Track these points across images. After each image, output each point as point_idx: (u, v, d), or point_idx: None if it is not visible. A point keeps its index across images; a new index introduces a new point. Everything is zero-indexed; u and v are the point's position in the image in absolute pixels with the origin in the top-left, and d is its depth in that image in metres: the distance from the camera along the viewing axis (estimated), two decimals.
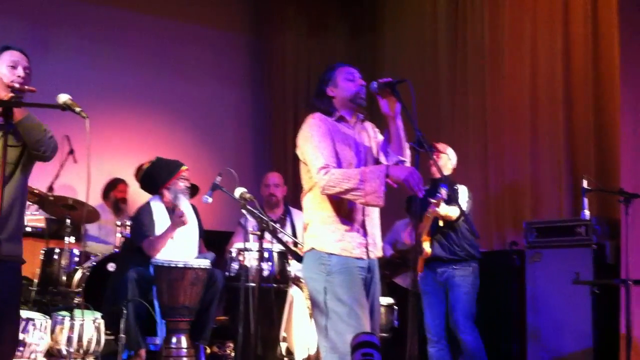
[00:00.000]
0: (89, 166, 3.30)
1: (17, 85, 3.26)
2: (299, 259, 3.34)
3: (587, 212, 4.55)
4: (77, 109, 3.26)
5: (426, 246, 5.02)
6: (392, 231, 6.70)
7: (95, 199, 6.72)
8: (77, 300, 5.38)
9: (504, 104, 6.98)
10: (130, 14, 7.85)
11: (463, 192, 5.11)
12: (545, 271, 5.69)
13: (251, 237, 5.14)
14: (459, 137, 7.42)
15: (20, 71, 3.32)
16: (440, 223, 5.04)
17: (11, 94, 3.23)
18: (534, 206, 6.56)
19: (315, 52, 8.65)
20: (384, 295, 5.98)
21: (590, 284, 5.11)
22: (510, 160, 6.85)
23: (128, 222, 5.92)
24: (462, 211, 4.90)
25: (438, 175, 5.12)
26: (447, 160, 5.36)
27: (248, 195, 4.14)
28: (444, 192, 4.71)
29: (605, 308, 5.31)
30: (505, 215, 6.80)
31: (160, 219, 5.29)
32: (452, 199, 4.80)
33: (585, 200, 4.56)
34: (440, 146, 5.36)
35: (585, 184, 4.61)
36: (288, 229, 5.85)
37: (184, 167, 5.47)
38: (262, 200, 6.02)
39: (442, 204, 4.84)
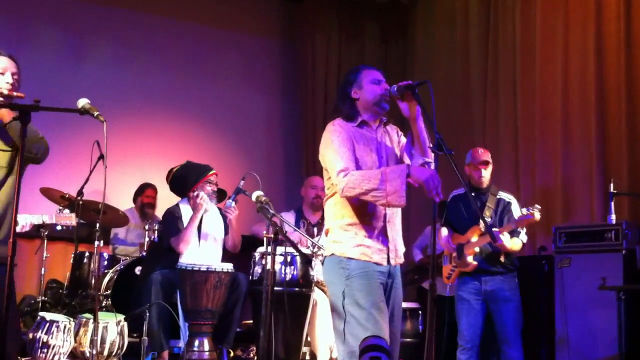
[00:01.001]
0: (105, 170, 3.35)
1: (5, 92, 3.29)
2: (308, 261, 3.34)
3: (613, 217, 4.44)
4: (95, 113, 3.31)
5: (470, 259, 4.83)
6: (422, 236, 6.66)
7: (127, 204, 6.82)
8: (104, 303, 5.47)
9: (535, 107, 6.89)
10: (163, 20, 7.97)
11: (515, 204, 4.92)
12: (574, 277, 5.57)
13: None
14: (490, 141, 7.36)
15: (8, 77, 3.35)
16: (502, 258, 4.87)
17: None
18: (565, 211, 6.46)
19: (347, 57, 8.66)
20: (411, 299, 5.98)
21: (615, 289, 4.99)
22: (542, 164, 6.75)
23: (156, 226, 5.98)
24: (522, 244, 4.79)
25: (484, 186, 4.99)
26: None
27: (264, 199, 4.16)
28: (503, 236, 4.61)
29: (634, 314, 5.19)
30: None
31: (188, 216, 5.34)
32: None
33: (612, 204, 4.46)
34: (486, 155, 5.04)
35: (612, 187, 4.51)
36: (324, 234, 5.85)
37: (211, 171, 5.51)
38: (301, 203, 6.06)
39: (507, 236, 4.72)
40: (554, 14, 6.83)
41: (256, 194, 4.15)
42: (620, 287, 4.98)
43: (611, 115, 6.23)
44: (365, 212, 3.33)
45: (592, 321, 5.37)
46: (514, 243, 4.79)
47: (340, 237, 3.35)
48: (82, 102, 3.33)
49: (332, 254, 3.37)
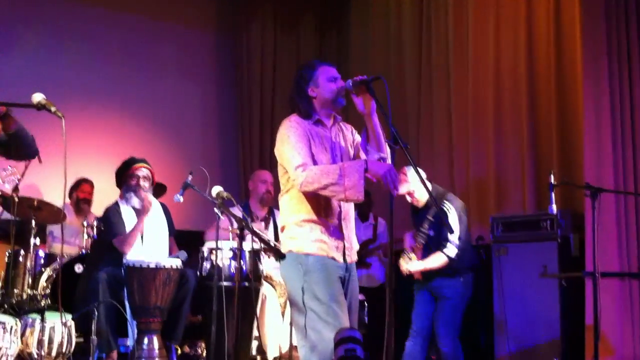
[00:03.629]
0: (66, 167, 3.27)
1: None
2: (281, 256, 3.36)
3: (554, 207, 4.63)
4: (53, 109, 3.24)
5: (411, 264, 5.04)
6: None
7: (61, 200, 6.62)
8: (44, 302, 5.31)
9: (468, 100, 7.07)
10: (94, 9, 7.73)
11: (452, 213, 4.95)
12: (511, 265, 5.79)
13: (226, 235, 5.13)
14: (424, 134, 7.52)
15: None
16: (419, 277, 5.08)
17: None
18: (498, 201, 6.66)
19: (282, 48, 8.64)
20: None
21: (558, 277, 5.22)
22: (475, 156, 6.93)
23: (95, 223, 5.84)
24: (449, 258, 4.87)
25: (420, 205, 5.11)
26: (419, 183, 5.05)
27: (225, 194, 4.12)
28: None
29: (572, 300, 5.43)
30: (471, 210, 6.87)
31: (127, 217, 5.25)
32: (438, 239, 4.90)
33: (553, 195, 4.64)
34: (402, 176, 5.09)
35: (552, 178, 4.70)
36: (271, 228, 5.85)
37: (137, 164, 5.39)
38: (246, 195, 6.00)
39: (410, 264, 4.97)
40: (485, 8, 7.02)
41: (216, 189, 4.11)
42: (563, 275, 5.20)
43: (542, 108, 6.46)
44: (320, 209, 3.37)
45: (530, 308, 5.60)
46: (430, 261, 4.92)
47: (297, 234, 3.38)
48: (38, 98, 3.24)
49: (290, 251, 3.39)
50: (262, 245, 4.55)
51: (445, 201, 4.96)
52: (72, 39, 7.53)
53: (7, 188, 3.92)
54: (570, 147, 6.14)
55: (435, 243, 4.93)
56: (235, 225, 4.11)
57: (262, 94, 8.44)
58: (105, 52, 7.71)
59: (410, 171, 5.03)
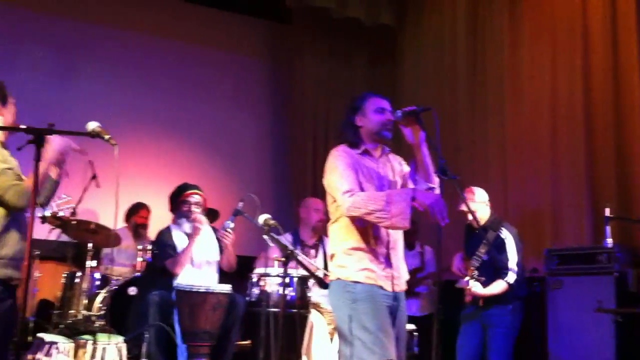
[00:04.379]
0: (118, 193, 3.35)
1: None
2: (324, 285, 3.37)
3: (609, 240, 4.52)
4: (106, 137, 3.33)
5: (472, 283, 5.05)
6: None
7: (119, 224, 6.77)
8: (98, 323, 5.41)
9: (523, 129, 6.97)
10: (152, 40, 7.98)
11: (510, 241, 5.03)
12: (566, 299, 5.64)
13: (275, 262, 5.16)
14: (478, 163, 7.43)
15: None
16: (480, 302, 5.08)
17: None
18: (554, 233, 6.52)
19: (335, 80, 8.71)
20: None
21: (614, 312, 5.07)
22: (531, 187, 6.82)
23: (149, 247, 5.95)
24: (509, 285, 4.93)
25: (477, 226, 5.15)
26: (483, 205, 5.28)
27: (272, 222, 4.17)
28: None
29: (628, 336, 5.26)
30: (525, 242, 6.74)
31: (180, 241, 5.33)
32: (495, 266, 4.93)
33: (608, 229, 4.54)
34: (470, 194, 5.25)
35: (607, 212, 4.60)
36: (320, 256, 5.86)
37: (189, 191, 5.48)
38: (297, 222, 6.04)
39: (477, 286, 4.97)
40: (541, 38, 6.94)
41: (263, 217, 4.16)
42: (618, 310, 5.05)
43: (599, 138, 6.31)
44: (369, 237, 3.37)
45: (585, 343, 5.43)
46: (492, 288, 4.98)
47: (345, 262, 3.38)
48: (93, 126, 3.35)
49: (338, 279, 3.39)
50: (306, 272, 4.56)
51: (502, 228, 5.02)
52: (128, 68, 7.78)
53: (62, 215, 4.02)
54: (628, 179, 5.99)
55: (491, 269, 4.98)
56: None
57: (315, 124, 8.51)
58: (162, 81, 7.93)
59: (478, 191, 5.16)
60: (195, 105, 8.11)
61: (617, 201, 5.87)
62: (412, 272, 6.43)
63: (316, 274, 3.82)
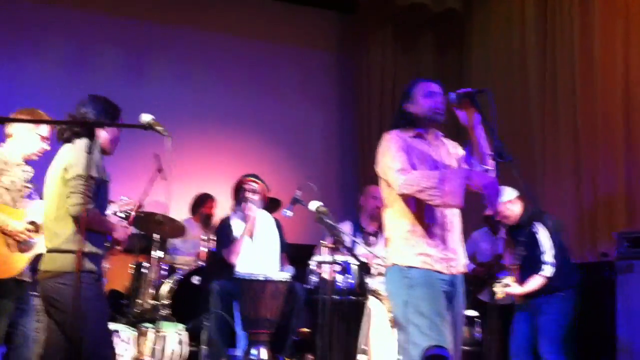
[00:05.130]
0: (171, 183, 3.43)
1: None
2: (367, 270, 3.35)
3: None
4: (159, 128, 3.42)
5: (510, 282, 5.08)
6: (469, 243, 6.55)
7: (183, 215, 6.92)
8: (164, 312, 5.55)
9: (596, 113, 6.75)
10: (218, 36, 8.12)
11: (543, 235, 4.98)
12: (637, 282, 5.45)
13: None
14: (549, 151, 7.24)
15: None
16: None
17: None
18: (628, 218, 6.30)
19: (401, 68, 8.63)
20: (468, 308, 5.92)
21: None
22: (604, 172, 6.59)
23: (212, 237, 6.06)
24: (546, 277, 4.90)
25: (510, 223, 5.15)
26: (510, 205, 5.16)
27: (323, 209, 4.18)
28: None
29: None
30: (599, 227, 6.56)
31: (238, 230, 5.43)
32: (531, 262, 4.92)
33: None
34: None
35: None
36: (381, 244, 5.84)
37: (246, 177, 5.57)
38: (359, 212, 6.06)
39: (513, 287, 5.00)
40: (613, 18, 6.68)
41: (315, 204, 4.17)
42: None
43: None
44: (424, 220, 3.32)
45: None
46: (530, 284, 4.96)
47: (401, 247, 3.34)
48: (147, 118, 3.44)
49: (394, 264, 3.36)
50: (354, 259, 4.55)
51: (534, 223, 4.98)
52: (196, 65, 7.95)
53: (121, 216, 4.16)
54: None
55: (530, 264, 4.95)
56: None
57: (381, 115, 8.45)
58: (229, 76, 8.07)
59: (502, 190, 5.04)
60: (262, 98, 8.21)
61: None
62: (496, 258, 6.33)
63: (360, 259, 3.79)
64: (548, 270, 4.89)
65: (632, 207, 6.31)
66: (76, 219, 3.32)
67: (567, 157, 7.04)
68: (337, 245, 3.78)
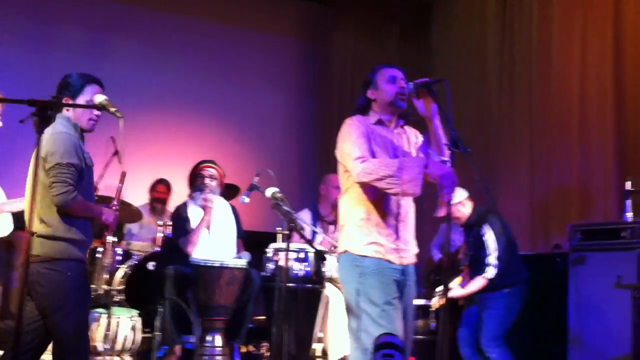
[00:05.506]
0: (123, 165, 3.37)
1: None
2: (323, 257, 3.33)
3: (629, 215, 4.41)
4: (112, 109, 3.36)
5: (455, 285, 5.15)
6: (439, 234, 6.62)
7: (141, 200, 6.84)
8: (118, 298, 5.48)
9: (552, 105, 6.86)
10: (183, 19, 8.02)
11: (489, 236, 5.01)
12: (588, 275, 5.52)
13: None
14: (506, 141, 7.34)
15: None
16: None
17: None
18: (581, 209, 6.43)
19: (364, 58, 8.62)
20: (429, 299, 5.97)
21: (632, 287, 4.95)
22: (558, 163, 6.71)
23: (169, 222, 6.00)
24: (487, 279, 4.96)
25: (461, 223, 5.19)
26: (460, 206, 5.21)
27: (279, 195, 4.15)
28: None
29: None
30: (552, 218, 6.67)
31: (194, 217, 5.35)
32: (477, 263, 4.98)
33: (628, 203, 4.43)
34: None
35: (628, 185, 4.48)
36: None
37: (203, 164, 5.49)
38: (317, 200, 6.05)
39: (456, 289, 5.06)
40: (572, 11, 6.78)
41: (271, 190, 4.14)
42: (636, 286, 4.94)
43: (629, 113, 6.19)
44: (379, 209, 3.32)
45: (607, 320, 5.33)
46: (471, 286, 5.01)
47: (354, 234, 3.34)
48: (100, 98, 3.38)
49: (346, 251, 3.36)
50: (310, 247, 4.53)
51: (483, 225, 5.01)
52: (157, 46, 7.84)
53: None
54: None
55: (477, 264, 5.01)
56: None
57: (343, 102, 8.46)
58: (192, 59, 7.97)
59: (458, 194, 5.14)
60: (224, 83, 8.14)
61: None
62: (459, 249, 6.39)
63: (316, 247, 3.79)
64: (490, 272, 4.94)
65: (585, 200, 6.43)
66: (61, 208, 3.28)
67: (522, 149, 7.14)
68: (294, 233, 3.76)
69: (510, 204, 6.89)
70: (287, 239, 3.72)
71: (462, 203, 5.10)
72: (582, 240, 5.70)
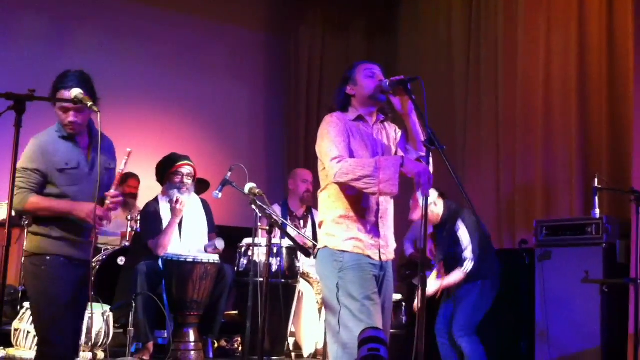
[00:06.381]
0: (99, 161, 3.33)
1: None
2: (308, 254, 3.35)
3: (597, 211, 4.52)
4: (89, 103, 3.31)
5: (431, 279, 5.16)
6: (412, 229, 6.68)
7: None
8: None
9: (517, 103, 6.96)
10: (146, 9, 7.89)
11: (463, 232, 5.08)
12: (555, 270, 5.67)
13: (261, 232, 5.15)
14: (471, 138, 7.43)
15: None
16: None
17: None
18: (546, 205, 6.54)
19: (330, 51, 8.66)
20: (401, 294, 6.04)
21: (599, 282, 5.08)
22: (523, 159, 6.82)
23: (138, 217, 5.94)
24: (465, 273, 5.01)
25: (437, 223, 5.21)
26: (432, 206, 5.25)
27: (257, 191, 4.14)
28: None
29: (615, 307, 5.29)
30: (516, 214, 6.78)
31: (166, 214, 5.29)
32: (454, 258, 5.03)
33: (596, 199, 4.53)
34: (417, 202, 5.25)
35: (596, 182, 4.59)
36: (309, 227, 5.86)
37: (181, 162, 5.40)
38: (287, 194, 6.05)
39: (432, 282, 5.07)
40: (537, 12, 6.89)
41: (249, 186, 4.13)
42: (604, 281, 5.06)
43: (592, 112, 6.31)
44: (358, 206, 3.34)
45: (573, 314, 5.47)
46: (450, 278, 5.06)
47: (333, 230, 3.36)
48: (75, 92, 3.32)
49: (325, 247, 3.37)
50: (290, 243, 4.53)
51: (457, 221, 5.08)
52: (124, 36, 7.70)
53: None
54: (621, 152, 5.98)
55: (453, 260, 5.06)
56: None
57: (308, 96, 8.48)
58: (156, 50, 7.86)
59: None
60: (190, 75, 8.04)
61: (608, 173, 5.87)
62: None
63: (301, 244, 3.81)
64: (468, 266, 5.01)
65: (550, 196, 6.54)
66: (16, 211, 3.31)
67: (488, 145, 7.24)
68: (274, 228, 3.77)
69: (476, 201, 6.98)
70: (268, 234, 3.72)
71: (434, 203, 5.16)
72: (548, 235, 5.83)
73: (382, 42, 8.85)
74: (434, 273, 5.15)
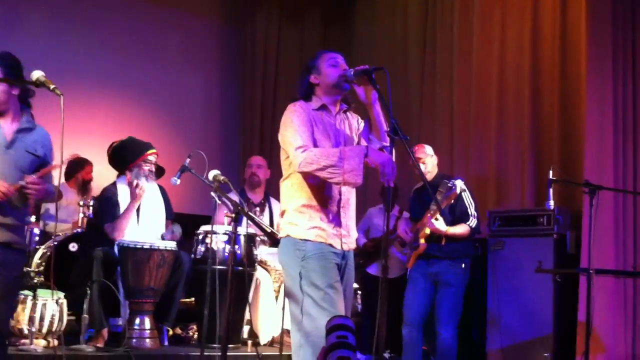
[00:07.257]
0: (62, 145, 3.25)
1: None
2: (276, 242, 3.33)
3: (551, 203, 4.63)
4: (51, 87, 3.24)
5: (421, 241, 5.00)
6: (365, 218, 6.71)
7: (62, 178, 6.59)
8: (37, 279, 5.29)
9: (471, 96, 7.06)
10: None
11: (467, 193, 5.03)
12: (507, 260, 5.78)
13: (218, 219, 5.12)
14: (426, 128, 7.51)
15: None
16: (443, 242, 5.02)
17: None
18: (498, 196, 6.66)
19: (286, 41, 8.66)
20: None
21: (553, 272, 5.20)
22: (476, 152, 6.93)
23: (91, 203, 5.83)
24: (471, 228, 4.96)
25: (429, 179, 5.11)
26: (434, 159, 5.28)
27: (222, 178, 4.10)
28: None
29: (566, 296, 5.43)
30: None
31: (125, 200, 5.21)
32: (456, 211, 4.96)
33: (551, 191, 4.64)
34: (420, 152, 5.21)
35: (550, 174, 4.69)
36: (266, 215, 5.83)
37: (151, 151, 5.36)
38: (243, 183, 6.02)
39: (439, 221, 4.87)
40: (492, 5, 6.99)
41: (213, 173, 4.08)
42: (558, 271, 5.18)
43: (545, 105, 6.45)
44: (321, 195, 3.34)
45: (525, 303, 5.59)
46: (456, 228, 4.94)
47: (296, 219, 3.35)
48: (37, 75, 3.26)
49: (288, 236, 3.37)
50: (259, 230, 4.51)
51: (452, 180, 4.95)
52: (78, 22, 7.57)
53: None
54: (572, 145, 6.14)
55: (451, 217, 4.97)
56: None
57: (264, 84, 8.47)
58: (110, 36, 7.74)
59: (427, 146, 5.25)
60: (144, 63, 7.94)
61: (560, 165, 5.99)
62: (388, 234, 6.46)
63: (267, 230, 3.78)
64: (474, 222, 4.96)
65: (502, 188, 6.67)
66: None
67: (442, 136, 7.32)
68: (239, 216, 3.74)
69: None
70: (234, 222, 3.69)
71: (433, 156, 5.21)
72: (501, 226, 5.94)
73: (337, 32, 8.88)
74: (427, 229, 4.94)
